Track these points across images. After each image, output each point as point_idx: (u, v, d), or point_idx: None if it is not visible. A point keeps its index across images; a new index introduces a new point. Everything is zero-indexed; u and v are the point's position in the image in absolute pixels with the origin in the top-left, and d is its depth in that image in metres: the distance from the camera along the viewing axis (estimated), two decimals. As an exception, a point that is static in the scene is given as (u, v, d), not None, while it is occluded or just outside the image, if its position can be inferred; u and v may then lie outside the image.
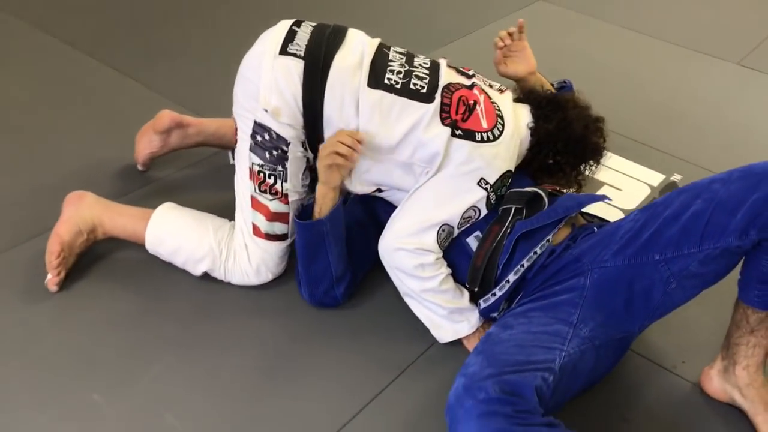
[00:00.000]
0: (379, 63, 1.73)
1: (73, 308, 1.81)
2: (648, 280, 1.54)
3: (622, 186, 2.44)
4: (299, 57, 1.69)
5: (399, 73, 1.73)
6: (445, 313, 1.75)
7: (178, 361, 1.70)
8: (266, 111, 1.69)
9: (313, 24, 1.77)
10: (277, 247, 1.84)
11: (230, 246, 1.84)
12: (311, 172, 1.82)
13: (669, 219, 1.51)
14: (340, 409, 1.63)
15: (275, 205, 1.79)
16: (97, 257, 1.95)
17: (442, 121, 1.70)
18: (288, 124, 1.71)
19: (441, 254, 1.73)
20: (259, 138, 1.73)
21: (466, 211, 1.70)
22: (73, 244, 1.84)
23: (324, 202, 1.73)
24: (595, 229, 1.71)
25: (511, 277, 1.68)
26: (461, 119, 1.70)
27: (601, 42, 3.50)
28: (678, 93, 3.08)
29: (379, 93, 1.69)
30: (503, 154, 1.73)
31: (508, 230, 1.69)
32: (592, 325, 1.55)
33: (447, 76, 1.77)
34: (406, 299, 1.78)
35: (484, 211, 1.74)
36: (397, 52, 1.80)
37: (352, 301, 1.89)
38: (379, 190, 1.81)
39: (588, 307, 1.56)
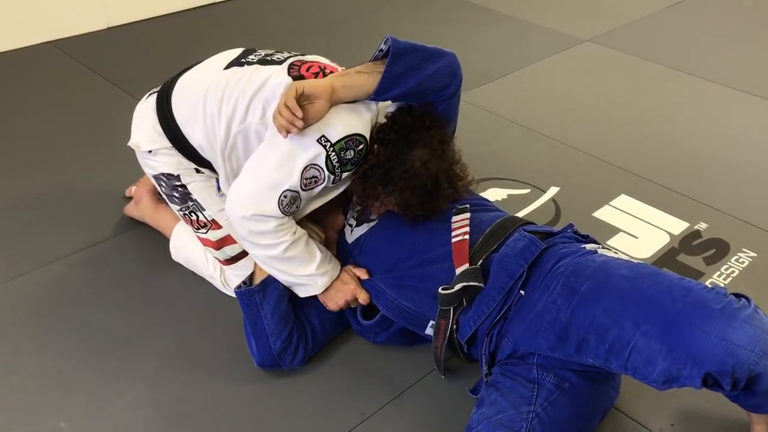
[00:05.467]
0: (241, 56, 1.80)
1: (61, 332, 1.87)
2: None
3: (638, 233, 2.33)
4: (155, 93, 1.85)
5: (260, 54, 1.79)
6: (292, 279, 1.73)
7: (150, 391, 1.73)
8: (131, 146, 1.88)
9: None
10: (246, 263, 1.87)
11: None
12: None
13: (591, 332, 1.46)
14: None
15: (213, 234, 1.87)
16: (92, 285, 2.03)
17: (289, 73, 1.70)
18: (164, 154, 1.83)
19: (286, 220, 1.66)
20: (163, 188, 1.89)
21: (306, 170, 1.61)
22: None
23: (260, 268, 1.77)
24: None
25: (485, 368, 1.66)
26: (313, 78, 1.67)
27: (646, 83, 3.39)
28: (721, 136, 2.93)
29: (233, 69, 1.75)
30: (354, 116, 1.63)
31: (455, 326, 1.65)
32: (555, 371, 1.57)
33: (315, 58, 1.79)
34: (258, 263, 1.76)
35: (325, 173, 1.63)
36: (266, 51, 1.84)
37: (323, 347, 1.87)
38: None
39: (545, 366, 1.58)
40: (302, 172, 1.61)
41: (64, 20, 3.54)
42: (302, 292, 1.77)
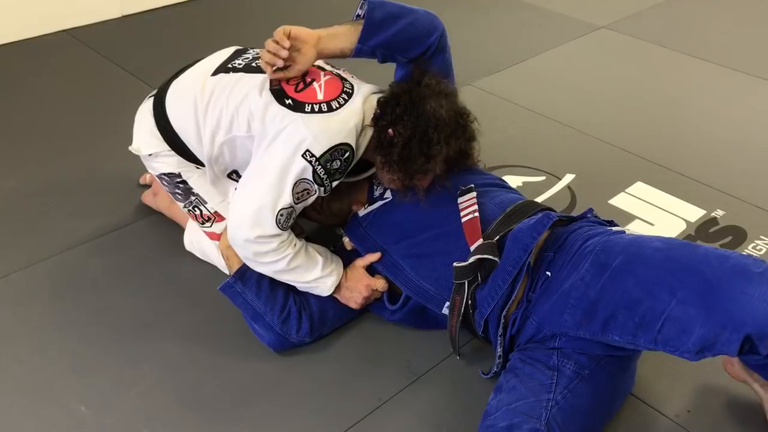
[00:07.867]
0: (230, 59, 1.80)
1: (80, 317, 1.89)
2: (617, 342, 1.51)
3: (655, 221, 2.32)
4: (152, 96, 1.86)
5: (247, 58, 1.78)
6: (303, 285, 1.78)
7: (168, 376, 1.74)
8: (132, 151, 1.90)
9: None
10: None
11: None
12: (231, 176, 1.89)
13: (621, 307, 1.45)
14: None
15: (217, 227, 1.89)
16: (110, 270, 2.05)
17: (270, 87, 1.68)
18: (164, 156, 1.85)
19: (286, 236, 1.70)
20: (166, 187, 1.92)
21: (296, 186, 1.64)
22: None
23: (229, 256, 1.80)
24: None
25: (498, 350, 1.67)
26: (294, 89, 1.67)
27: (662, 69, 3.37)
28: (738, 122, 2.91)
29: (219, 76, 1.75)
30: (337, 126, 1.63)
31: (470, 301, 1.66)
32: (575, 358, 1.56)
33: None
34: None
35: (315, 187, 1.66)
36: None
37: (340, 332, 1.88)
38: (237, 173, 1.84)
39: (565, 351, 1.58)
40: (293, 188, 1.64)
41: (79, 9, 3.55)
42: (317, 293, 1.80)
